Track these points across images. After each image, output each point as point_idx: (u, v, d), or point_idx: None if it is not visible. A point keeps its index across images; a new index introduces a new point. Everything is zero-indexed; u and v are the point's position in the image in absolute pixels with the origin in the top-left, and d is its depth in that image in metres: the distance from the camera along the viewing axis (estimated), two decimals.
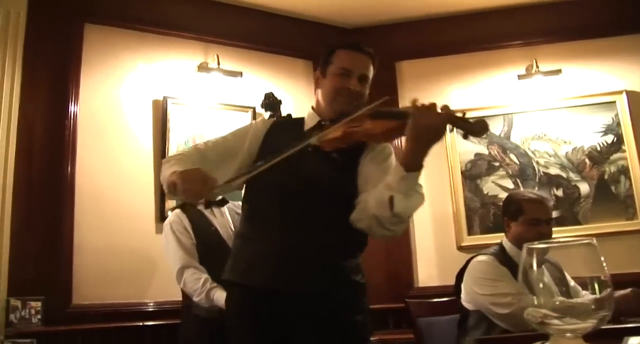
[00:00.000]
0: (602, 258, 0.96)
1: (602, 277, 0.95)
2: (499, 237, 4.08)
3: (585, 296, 2.84)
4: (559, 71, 4.17)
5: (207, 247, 2.78)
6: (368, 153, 1.86)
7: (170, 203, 3.49)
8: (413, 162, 1.69)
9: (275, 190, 1.86)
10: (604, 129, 4.17)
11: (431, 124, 1.65)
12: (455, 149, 4.25)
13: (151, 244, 3.54)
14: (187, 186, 1.66)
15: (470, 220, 4.19)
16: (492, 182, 4.22)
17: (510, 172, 4.22)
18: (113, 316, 3.37)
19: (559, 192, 4.15)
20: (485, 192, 4.19)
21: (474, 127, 1.71)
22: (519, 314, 2.67)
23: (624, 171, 4.10)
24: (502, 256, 2.76)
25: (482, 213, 4.19)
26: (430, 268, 4.19)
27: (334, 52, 1.93)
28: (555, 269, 2.84)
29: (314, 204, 1.82)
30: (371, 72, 1.94)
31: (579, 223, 4.10)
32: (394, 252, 4.21)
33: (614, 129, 4.15)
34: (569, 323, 0.88)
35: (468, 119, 1.70)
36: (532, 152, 4.21)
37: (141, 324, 3.38)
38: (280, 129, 1.98)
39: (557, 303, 0.93)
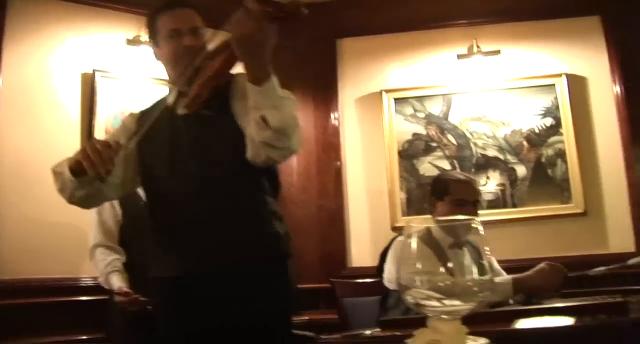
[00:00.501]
0: (484, 240, 0.95)
1: (482, 260, 0.93)
2: (429, 220, 4.11)
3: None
4: (498, 52, 4.12)
5: (136, 222, 2.76)
6: (234, 93, 1.82)
7: None
8: (258, 75, 1.62)
9: (167, 174, 1.84)
10: (542, 112, 4.13)
11: (245, 34, 1.56)
12: (392, 129, 4.22)
13: (81, 218, 3.52)
14: (94, 154, 1.59)
15: (405, 201, 4.17)
16: (429, 163, 4.20)
17: (448, 153, 4.19)
18: (46, 291, 3.35)
19: (496, 174, 4.13)
20: (421, 173, 4.17)
21: (288, 9, 1.58)
22: None
23: (561, 155, 4.07)
24: (427, 236, 2.74)
25: (417, 194, 4.17)
26: (363, 248, 4.18)
27: (155, 19, 1.89)
28: (475, 251, 2.84)
29: (211, 172, 1.79)
30: (199, 21, 1.89)
31: (514, 206, 4.09)
32: (328, 232, 4.22)
33: (552, 112, 4.12)
34: (449, 305, 0.85)
35: (279, 3, 1.57)
36: (470, 134, 4.18)
37: (76, 299, 3.39)
38: (149, 114, 1.94)
39: (441, 283, 0.89)
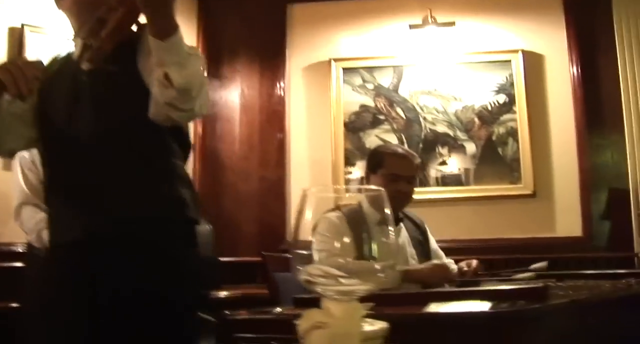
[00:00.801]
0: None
1: (383, 239, 0.83)
2: None
3: (472, 262, 2.51)
4: (452, 23, 3.95)
5: None
6: (141, 48, 1.66)
7: None
8: (161, 28, 1.49)
9: (65, 130, 1.69)
10: (496, 88, 3.97)
11: None
12: (340, 99, 4.04)
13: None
14: (16, 71, 1.48)
15: (350, 174, 4.00)
16: (376, 136, 4.02)
17: (396, 127, 4.02)
18: None
19: (444, 151, 3.96)
20: (367, 146, 3.99)
21: None
22: None
23: (513, 133, 3.92)
24: (356, 213, 2.60)
25: (362, 167, 3.98)
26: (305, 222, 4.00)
27: None
28: (417, 230, 2.63)
29: (111, 131, 1.65)
30: None
31: (461, 184, 3.93)
32: (268, 204, 4.04)
33: (507, 89, 3.96)
34: (344, 285, 0.76)
35: None
36: (420, 108, 4.01)
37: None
38: (54, 71, 1.79)
39: (341, 260, 0.79)
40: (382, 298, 1.59)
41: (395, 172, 2.50)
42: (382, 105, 4.03)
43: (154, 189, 1.65)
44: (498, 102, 3.95)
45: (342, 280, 0.75)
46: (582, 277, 2.22)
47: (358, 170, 3.97)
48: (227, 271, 3.66)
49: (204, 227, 3.03)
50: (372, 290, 0.77)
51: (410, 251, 2.70)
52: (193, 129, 3.96)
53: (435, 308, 1.49)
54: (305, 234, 0.78)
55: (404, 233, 2.72)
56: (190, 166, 3.91)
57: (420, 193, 3.86)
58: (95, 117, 1.66)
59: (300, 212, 0.78)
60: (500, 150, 3.92)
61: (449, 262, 2.86)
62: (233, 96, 4.13)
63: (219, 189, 4.01)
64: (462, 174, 3.93)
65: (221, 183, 4.03)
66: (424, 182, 3.94)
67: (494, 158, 3.92)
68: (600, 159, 3.90)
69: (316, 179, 4.02)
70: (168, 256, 1.63)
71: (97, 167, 1.65)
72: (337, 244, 2.34)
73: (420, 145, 3.96)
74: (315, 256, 0.79)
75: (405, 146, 3.86)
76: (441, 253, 2.87)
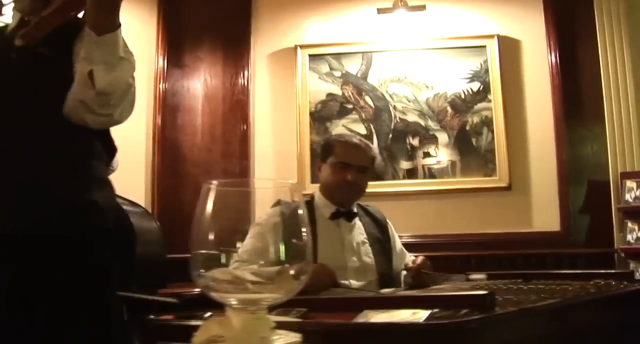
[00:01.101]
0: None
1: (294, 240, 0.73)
2: None
3: (418, 259, 2.28)
4: (423, 7, 3.76)
5: None
6: (80, 38, 1.51)
7: None
8: (100, 21, 1.37)
9: None
10: (470, 76, 3.77)
11: None
12: (305, 88, 3.85)
13: None
14: None
15: (315, 166, 3.80)
16: (343, 126, 3.83)
17: (364, 117, 3.82)
18: None
19: (415, 142, 3.76)
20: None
21: None
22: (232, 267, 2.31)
23: (487, 123, 3.72)
24: (295, 210, 2.43)
25: None
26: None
27: None
28: (376, 227, 2.40)
29: (27, 119, 1.50)
30: None
31: (433, 176, 3.72)
32: None
33: (481, 76, 3.76)
34: (246, 293, 0.67)
35: None
36: (390, 96, 3.81)
37: None
38: None
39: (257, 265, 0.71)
40: (313, 303, 1.36)
41: (343, 161, 2.36)
42: (350, 93, 3.83)
43: (61, 192, 1.50)
44: (472, 90, 3.75)
45: (252, 286, 0.66)
46: (552, 277, 2.03)
47: None
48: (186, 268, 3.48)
49: (150, 225, 2.83)
50: (280, 298, 0.68)
51: (366, 249, 2.50)
52: (152, 120, 3.77)
53: (366, 316, 1.32)
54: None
55: (358, 229, 2.53)
56: (149, 159, 3.72)
57: (389, 186, 3.69)
58: (9, 99, 1.51)
59: (202, 209, 0.69)
60: (474, 140, 3.72)
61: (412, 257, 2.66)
62: (195, 85, 3.94)
63: (179, 182, 3.82)
64: (433, 166, 3.72)
65: (182, 176, 3.83)
66: (394, 175, 3.74)
67: (468, 149, 3.72)
68: (579, 150, 3.70)
69: (281, 171, 3.83)
70: (68, 264, 1.46)
71: (3, 157, 1.48)
72: (258, 245, 2.07)
73: (390, 135, 3.76)
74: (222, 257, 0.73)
75: (375, 137, 3.69)
76: (406, 253, 2.67)
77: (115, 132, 3.56)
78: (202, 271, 0.66)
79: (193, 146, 3.89)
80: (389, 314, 1.34)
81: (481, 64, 3.76)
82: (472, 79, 3.76)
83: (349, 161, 2.36)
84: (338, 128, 3.81)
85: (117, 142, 3.60)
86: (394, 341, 1.19)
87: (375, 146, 3.75)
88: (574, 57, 3.77)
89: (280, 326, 0.69)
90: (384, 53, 3.83)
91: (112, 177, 3.58)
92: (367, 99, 3.82)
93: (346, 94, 3.84)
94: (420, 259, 2.36)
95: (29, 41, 1.48)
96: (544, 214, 3.65)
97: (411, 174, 3.74)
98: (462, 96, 3.75)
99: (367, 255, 2.46)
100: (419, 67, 3.80)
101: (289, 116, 3.85)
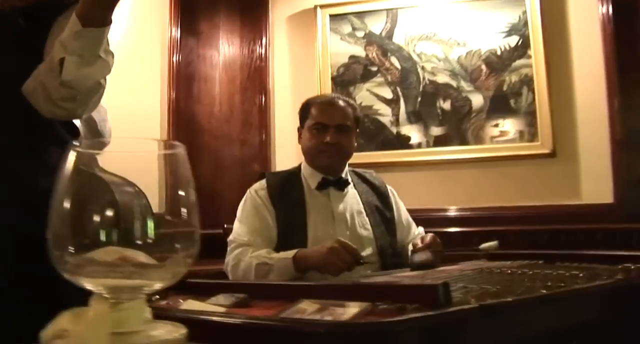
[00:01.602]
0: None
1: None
2: (369, 157, 3.45)
3: (416, 237, 2.02)
4: None
5: None
6: (64, 18, 1.41)
7: None
8: (92, 12, 1.27)
9: None
10: (507, 30, 3.37)
11: None
12: (327, 51, 3.56)
13: None
14: None
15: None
16: (367, 90, 3.52)
17: (390, 79, 3.50)
18: None
19: (446, 105, 3.41)
20: (358, 102, 3.49)
21: None
22: (234, 257, 2.08)
23: (528, 82, 3.31)
24: (288, 178, 2.23)
25: None
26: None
27: None
28: (375, 194, 2.14)
29: None
30: None
31: (467, 143, 3.37)
32: (250, 170, 3.62)
33: (520, 29, 3.35)
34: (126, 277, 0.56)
35: None
36: (418, 56, 3.47)
37: None
38: None
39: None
40: (251, 288, 1.28)
41: (320, 121, 2.18)
42: (374, 55, 3.52)
43: (11, 179, 1.35)
44: (509, 46, 3.35)
45: (135, 270, 0.55)
46: (578, 258, 1.72)
47: None
48: (209, 245, 3.32)
49: (141, 203, 2.66)
50: (162, 285, 0.58)
51: (362, 219, 2.23)
52: (167, 91, 3.60)
53: (297, 307, 1.11)
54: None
55: (352, 199, 2.26)
56: (164, 132, 3.56)
57: (417, 155, 3.38)
58: None
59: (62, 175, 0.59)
60: (512, 102, 3.32)
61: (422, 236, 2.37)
62: (211, 53, 3.73)
63: (196, 155, 3.63)
64: (468, 132, 3.37)
65: (199, 149, 3.64)
66: (422, 143, 3.41)
67: (506, 112, 3.33)
68: (636, 111, 3.23)
69: None
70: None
71: None
72: (257, 224, 2.13)
73: (419, 99, 3.43)
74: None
75: (402, 101, 3.38)
76: (413, 225, 2.38)
77: (129, 106, 3.38)
78: (71, 249, 0.54)
79: (211, 117, 3.69)
80: (322, 306, 1.12)
81: (519, 16, 3.34)
82: (509, 33, 3.36)
83: (326, 120, 2.17)
84: (362, 93, 3.52)
85: (130, 116, 3.45)
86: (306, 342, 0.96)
87: (402, 110, 3.43)
88: (630, 3, 3.29)
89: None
90: (410, 9, 3.49)
91: None
92: (393, 60, 3.49)
93: (370, 56, 3.52)
94: (429, 237, 2.08)
95: (4, 6, 1.38)
96: (594, 183, 3.22)
97: (442, 141, 3.40)
98: (498, 53, 3.36)
99: (364, 226, 2.21)
100: (449, 22, 3.43)
101: (310, 82, 3.58)
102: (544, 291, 1.20)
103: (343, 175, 2.26)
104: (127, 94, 3.43)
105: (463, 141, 3.36)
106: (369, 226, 2.21)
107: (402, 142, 3.43)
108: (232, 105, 3.71)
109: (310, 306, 1.13)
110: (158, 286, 0.57)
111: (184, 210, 0.60)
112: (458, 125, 3.37)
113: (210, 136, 3.67)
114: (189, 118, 3.63)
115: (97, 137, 2.86)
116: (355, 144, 2.32)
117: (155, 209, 0.62)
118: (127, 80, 3.48)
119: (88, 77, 1.31)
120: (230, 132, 3.69)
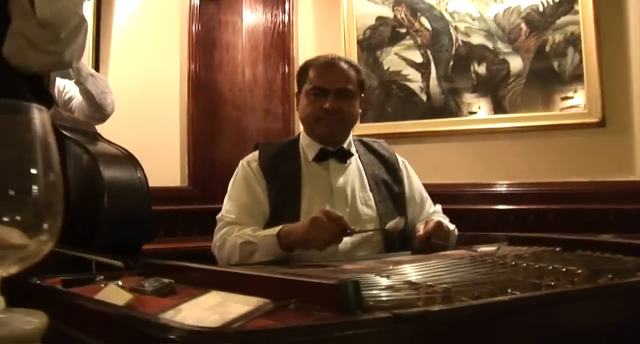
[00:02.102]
0: None
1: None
2: (397, 127, 3.19)
3: (433, 216, 1.84)
4: None
5: None
6: None
7: None
8: None
9: None
10: None
11: None
12: (352, 12, 3.30)
13: None
14: None
15: (365, 103, 3.27)
16: (396, 54, 3.24)
17: (420, 42, 3.20)
18: None
19: (482, 69, 3.09)
20: (385, 68, 3.24)
21: None
22: (220, 237, 1.90)
23: (574, 41, 2.93)
24: (284, 148, 2.04)
25: (379, 95, 3.25)
26: None
27: None
28: (382, 166, 1.93)
29: None
30: None
31: (504, 111, 3.04)
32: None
33: None
34: None
35: None
36: (450, 15, 3.14)
37: None
38: None
39: None
40: (182, 273, 1.13)
41: (318, 85, 1.95)
42: (403, 15, 3.22)
43: None
44: (553, 1, 2.97)
45: None
46: (602, 247, 1.43)
47: None
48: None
49: (131, 175, 2.51)
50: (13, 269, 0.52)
51: (365, 195, 2.01)
52: (186, 60, 3.44)
53: (200, 298, 0.95)
54: None
55: (355, 171, 2.04)
56: (184, 103, 3.41)
57: (449, 124, 3.09)
58: None
59: None
60: (556, 64, 2.96)
61: (438, 215, 2.13)
62: (233, 19, 3.54)
63: (218, 126, 3.48)
64: (505, 98, 3.03)
65: (221, 119, 3.49)
66: (454, 111, 3.11)
67: (548, 75, 2.97)
68: None
69: None
70: None
71: None
72: (247, 200, 1.94)
73: (451, 62, 3.12)
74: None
75: (432, 65, 3.09)
76: (427, 202, 2.14)
77: (147, 75, 3.25)
78: None
79: (233, 86, 3.52)
80: (223, 300, 0.95)
81: None
82: None
83: (325, 84, 1.94)
84: (389, 57, 3.24)
85: (149, 86, 3.32)
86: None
87: (433, 75, 3.14)
88: None
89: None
90: None
91: (144, 127, 3.29)
92: (423, 20, 3.19)
93: (398, 16, 3.23)
94: (432, 224, 1.82)
95: None
96: None
97: (476, 109, 3.08)
98: (541, 9, 2.98)
99: (366, 203, 1.98)
100: None
101: (335, 47, 3.31)
102: (504, 298, 0.94)
103: (345, 145, 2.03)
104: (145, 62, 3.31)
105: (499, 109, 3.03)
106: (372, 202, 1.98)
107: (433, 110, 3.15)
108: (255, 73, 3.52)
109: (213, 299, 0.95)
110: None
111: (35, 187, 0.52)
112: (494, 91, 3.04)
113: (232, 106, 3.50)
114: (210, 87, 3.47)
115: (98, 110, 2.75)
116: (360, 111, 2.07)
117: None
118: (145, 48, 3.36)
119: (64, 9, 1.26)
120: (253, 102, 3.51)
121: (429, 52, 3.16)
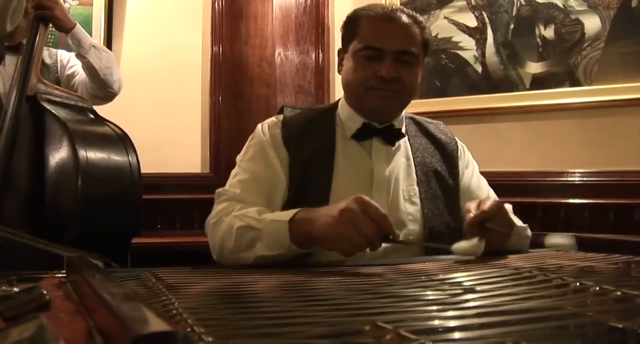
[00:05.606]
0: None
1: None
2: (449, 103, 2.72)
3: (485, 204, 1.31)
4: None
5: None
6: None
7: None
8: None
9: None
10: None
11: None
12: None
13: None
14: None
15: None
16: (445, 18, 2.75)
17: (474, 2, 2.70)
18: None
19: (549, 33, 2.55)
20: (434, 34, 2.75)
21: None
22: (215, 214, 1.46)
23: None
24: (315, 117, 1.60)
25: (428, 67, 2.77)
26: None
27: None
28: (438, 154, 1.53)
29: None
30: None
31: (578, 83, 2.50)
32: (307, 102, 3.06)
33: None
34: None
35: None
36: None
37: None
38: None
39: None
40: None
41: (372, 45, 1.48)
42: None
43: None
44: None
45: None
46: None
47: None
48: None
49: (120, 160, 2.15)
50: None
51: (410, 189, 1.54)
52: (209, 32, 3.07)
53: None
54: None
55: (403, 157, 1.59)
56: (205, 78, 3.05)
57: (508, 99, 2.60)
58: None
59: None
60: None
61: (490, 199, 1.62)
62: None
63: (243, 106, 3.10)
64: (579, 68, 2.49)
65: (248, 98, 3.10)
66: (516, 84, 2.60)
67: (634, 40, 2.41)
68: None
69: None
70: None
71: None
72: (258, 170, 1.60)
73: (511, 26, 2.60)
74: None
75: (489, 30, 2.61)
76: (486, 195, 1.66)
77: (167, 49, 2.93)
78: None
79: (262, 60, 3.12)
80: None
81: None
82: None
83: (381, 44, 1.47)
84: (438, 21, 2.75)
85: (169, 60, 3.02)
86: None
87: (490, 41, 2.64)
88: None
89: None
90: None
91: (161, 108, 3.08)
92: None
93: None
94: (488, 204, 1.32)
95: None
96: None
97: (542, 82, 2.56)
98: None
99: (410, 199, 1.51)
100: None
101: None
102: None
103: (396, 123, 1.57)
104: (162, 35, 3.02)
105: (572, 81, 2.50)
106: (417, 199, 1.51)
107: (490, 83, 2.65)
108: (285, 46, 3.11)
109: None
110: None
111: None
112: (565, 59, 2.50)
113: (260, 83, 3.11)
114: (235, 62, 3.09)
115: (102, 87, 2.40)
116: (419, 80, 1.60)
117: None
118: (162, 20, 3.05)
119: None
120: (283, 78, 3.10)
121: (484, 15, 2.65)
